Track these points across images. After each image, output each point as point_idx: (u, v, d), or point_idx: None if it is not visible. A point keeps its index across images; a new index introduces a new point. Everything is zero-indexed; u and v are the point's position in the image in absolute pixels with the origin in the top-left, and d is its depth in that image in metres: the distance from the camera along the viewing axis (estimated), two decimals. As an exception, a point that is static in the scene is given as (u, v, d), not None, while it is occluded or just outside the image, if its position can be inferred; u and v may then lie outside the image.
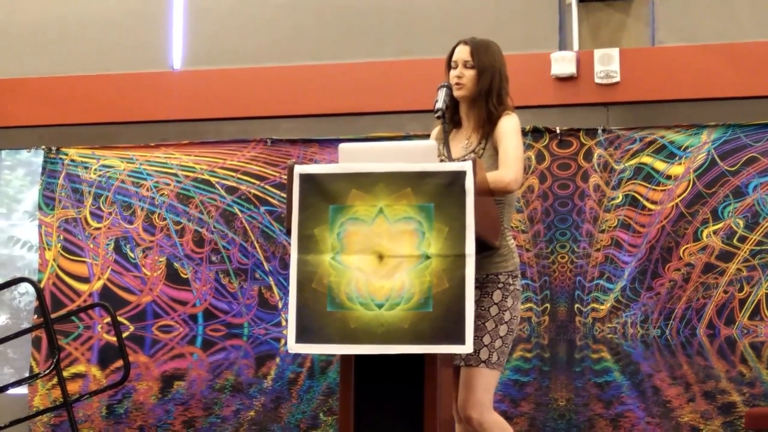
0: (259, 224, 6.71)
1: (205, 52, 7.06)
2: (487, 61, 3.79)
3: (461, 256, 3.20)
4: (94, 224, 6.90)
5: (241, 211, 6.74)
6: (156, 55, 7.11)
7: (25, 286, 6.98)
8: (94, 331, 6.86)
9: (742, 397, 6.04)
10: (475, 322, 3.30)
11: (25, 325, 6.82)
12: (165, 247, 6.80)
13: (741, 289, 6.14)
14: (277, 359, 6.60)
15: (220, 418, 6.58)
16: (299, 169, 3.31)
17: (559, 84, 6.51)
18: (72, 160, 6.99)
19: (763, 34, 6.43)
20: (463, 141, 3.84)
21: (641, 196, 6.29)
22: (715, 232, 6.19)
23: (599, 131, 6.39)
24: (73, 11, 7.25)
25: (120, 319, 6.59)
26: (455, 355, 3.55)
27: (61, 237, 6.92)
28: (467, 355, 3.61)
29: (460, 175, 3.24)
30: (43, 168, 7.01)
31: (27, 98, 7.16)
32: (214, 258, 6.74)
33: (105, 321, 6.81)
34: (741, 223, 6.18)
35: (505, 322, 3.70)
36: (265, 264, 6.67)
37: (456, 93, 3.79)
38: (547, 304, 6.31)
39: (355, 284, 3.23)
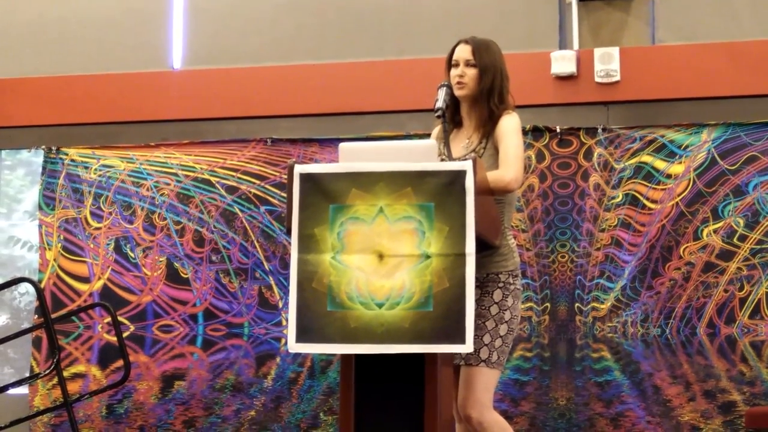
0: (260, 224, 6.71)
1: (205, 52, 7.06)
2: (488, 60, 3.78)
3: (461, 256, 3.19)
4: (95, 224, 6.90)
5: (242, 211, 6.73)
6: (156, 55, 7.11)
7: (25, 286, 6.97)
8: (94, 331, 6.86)
9: (743, 396, 6.04)
10: (475, 321, 3.29)
11: (26, 325, 6.82)
12: (165, 246, 6.80)
13: (741, 288, 6.14)
14: (278, 359, 6.60)
15: (220, 417, 6.58)
16: (299, 169, 3.31)
17: (559, 83, 6.51)
18: (72, 160, 6.98)
19: (763, 33, 6.42)
20: (463, 140, 3.84)
21: (641, 195, 6.29)
22: (715, 231, 6.19)
23: (599, 130, 6.38)
24: (73, 11, 7.24)
25: (120, 318, 6.58)
26: (455, 354, 3.54)
27: (62, 237, 6.91)
28: (467, 354, 3.60)
29: (460, 175, 3.23)
30: (44, 168, 7.00)
31: (27, 98, 7.15)
32: (214, 258, 6.73)
33: (105, 321, 6.81)
34: (741, 221, 6.17)
35: (506, 322, 3.70)
36: (265, 263, 6.67)
37: (457, 92, 3.79)
38: (548, 304, 6.31)
39: (355, 284, 3.23)
